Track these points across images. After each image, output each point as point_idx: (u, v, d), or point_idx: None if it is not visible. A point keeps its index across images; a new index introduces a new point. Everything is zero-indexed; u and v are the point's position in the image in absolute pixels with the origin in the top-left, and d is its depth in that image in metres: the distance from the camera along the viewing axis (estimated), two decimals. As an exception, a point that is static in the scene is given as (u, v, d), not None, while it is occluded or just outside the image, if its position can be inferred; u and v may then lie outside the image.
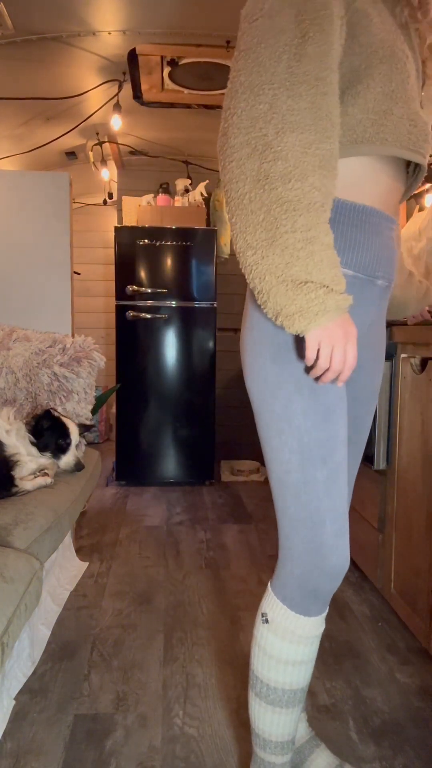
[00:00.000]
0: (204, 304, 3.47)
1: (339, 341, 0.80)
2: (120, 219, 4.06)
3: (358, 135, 0.89)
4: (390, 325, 1.77)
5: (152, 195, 3.78)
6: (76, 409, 2.11)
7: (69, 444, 1.78)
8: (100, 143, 3.69)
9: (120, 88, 2.93)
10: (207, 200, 3.85)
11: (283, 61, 0.79)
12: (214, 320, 3.49)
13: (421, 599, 1.62)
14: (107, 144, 3.69)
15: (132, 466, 3.53)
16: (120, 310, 3.43)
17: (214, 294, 3.48)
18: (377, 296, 1.00)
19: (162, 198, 3.75)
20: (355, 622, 1.87)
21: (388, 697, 1.49)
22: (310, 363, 0.83)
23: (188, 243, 3.42)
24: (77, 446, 1.83)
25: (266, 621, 0.99)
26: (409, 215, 2.80)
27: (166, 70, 2.73)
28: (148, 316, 3.43)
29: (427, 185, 2.64)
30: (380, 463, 1.85)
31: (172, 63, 2.66)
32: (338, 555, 0.92)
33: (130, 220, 3.86)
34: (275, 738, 1.03)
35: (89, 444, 3.43)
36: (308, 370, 0.88)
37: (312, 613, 0.97)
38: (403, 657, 1.67)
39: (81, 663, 1.62)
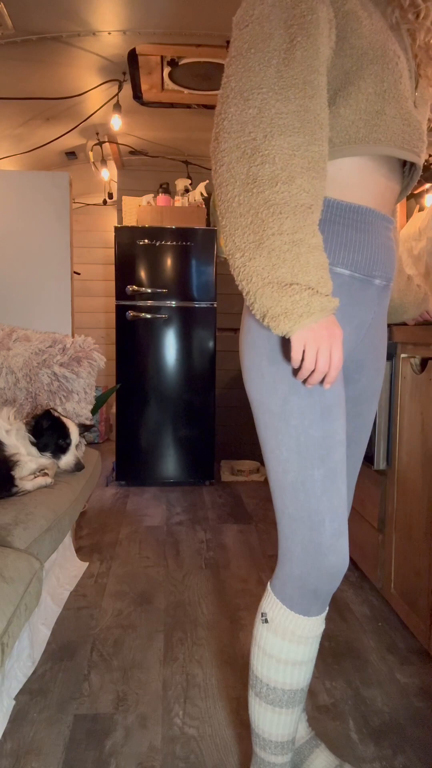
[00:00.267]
0: (204, 304, 3.47)
1: (324, 342, 0.81)
2: (120, 219, 4.06)
3: (351, 136, 0.90)
4: (390, 324, 1.77)
5: (152, 195, 3.79)
6: (76, 409, 2.11)
7: (69, 444, 1.78)
8: (100, 143, 3.69)
9: (120, 88, 2.93)
10: (207, 200, 3.85)
11: (272, 66, 0.81)
12: (214, 320, 3.49)
13: (421, 599, 1.62)
14: (107, 144, 3.69)
15: (132, 466, 3.53)
16: (120, 310, 3.43)
17: (214, 294, 3.48)
18: (375, 296, 1.01)
19: (162, 198, 3.75)
20: (355, 622, 1.87)
21: (388, 697, 1.49)
22: (296, 364, 0.83)
23: (188, 243, 3.42)
24: (77, 446, 1.83)
25: (266, 621, 1.00)
26: (409, 215, 2.80)
27: (166, 70, 2.73)
28: (148, 316, 3.43)
29: (427, 185, 2.64)
30: (380, 463, 1.85)
31: (172, 63, 2.66)
32: (337, 555, 0.92)
33: (130, 220, 3.86)
34: (275, 738, 1.03)
35: (89, 444, 3.43)
36: (296, 372, 0.89)
37: (312, 613, 0.97)
38: (403, 657, 1.67)
39: (81, 663, 1.62)
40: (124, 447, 3.52)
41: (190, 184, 3.90)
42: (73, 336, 2.42)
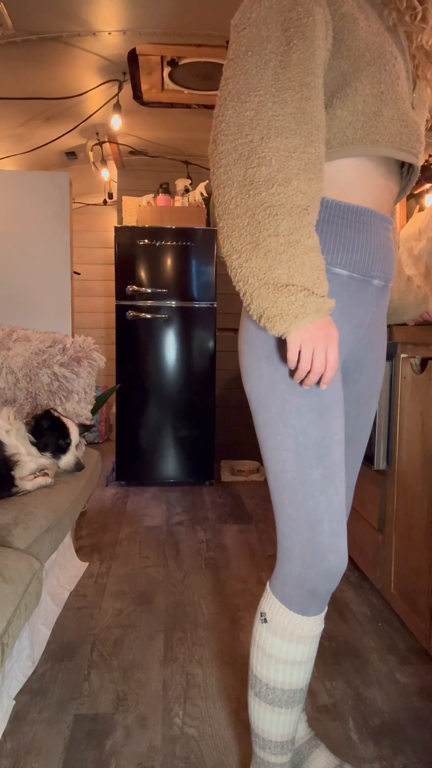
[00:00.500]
0: (204, 304, 3.47)
1: (320, 343, 0.81)
2: (120, 219, 4.06)
3: (349, 137, 0.90)
4: (390, 325, 1.78)
5: (152, 195, 3.79)
6: (76, 409, 2.11)
7: (69, 444, 1.78)
8: (100, 143, 3.69)
9: (120, 88, 2.93)
10: (207, 200, 3.85)
11: (269, 68, 0.81)
12: (214, 320, 3.49)
13: (421, 599, 1.62)
14: (107, 144, 3.69)
15: (132, 466, 3.53)
16: (120, 310, 3.43)
17: (214, 294, 3.48)
18: (374, 296, 1.01)
19: (162, 198, 3.75)
20: (355, 622, 1.87)
21: (388, 697, 1.49)
22: (291, 365, 0.84)
23: (188, 243, 3.42)
24: (77, 446, 1.83)
25: (265, 621, 1.00)
26: (409, 215, 2.80)
27: (166, 70, 2.73)
28: (148, 316, 3.43)
29: (427, 185, 2.64)
30: (380, 463, 1.85)
31: (172, 63, 2.66)
32: (336, 554, 0.92)
33: (130, 220, 3.86)
34: (275, 738, 1.04)
35: (89, 444, 3.43)
36: (292, 373, 0.89)
37: (311, 613, 0.97)
38: (403, 657, 1.67)
39: (81, 663, 1.62)
40: (124, 447, 3.52)
41: (190, 184, 3.90)
42: (73, 336, 2.42)
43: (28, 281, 2.74)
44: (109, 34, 2.47)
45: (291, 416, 0.91)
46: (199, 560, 2.37)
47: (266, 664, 1.00)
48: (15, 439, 1.67)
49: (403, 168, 1.03)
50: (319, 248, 0.83)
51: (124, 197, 3.97)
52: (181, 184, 3.90)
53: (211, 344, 3.50)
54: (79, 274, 4.81)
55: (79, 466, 1.80)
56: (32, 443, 1.71)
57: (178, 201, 3.78)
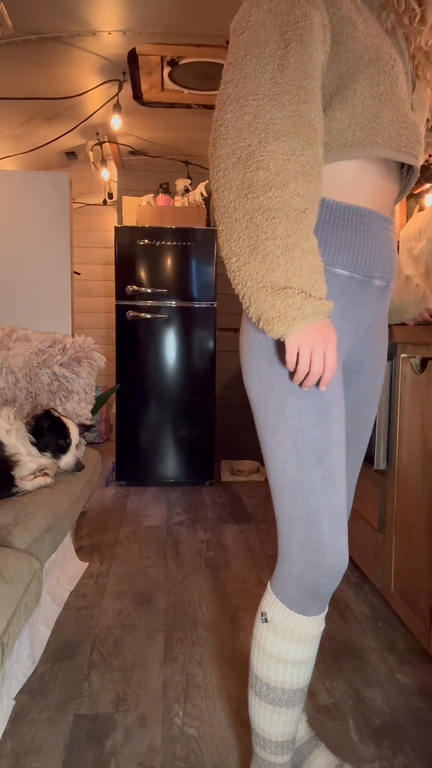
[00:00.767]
0: (204, 304, 3.47)
1: (318, 345, 0.82)
2: (120, 219, 4.06)
3: (348, 139, 0.91)
4: (390, 325, 1.77)
5: (152, 195, 3.79)
6: (76, 409, 2.11)
7: (69, 444, 1.78)
8: (100, 143, 3.69)
9: (120, 88, 2.93)
10: (207, 200, 3.85)
11: (267, 72, 0.82)
12: (214, 320, 3.49)
13: (421, 599, 1.62)
14: (107, 144, 3.69)
15: (132, 466, 3.53)
16: (120, 310, 3.43)
17: (214, 294, 3.48)
18: (375, 296, 1.01)
19: (162, 198, 3.75)
20: (355, 622, 1.87)
21: (388, 697, 1.49)
22: (290, 367, 0.84)
23: (188, 243, 3.42)
24: (77, 446, 1.83)
25: (266, 620, 1.00)
26: (409, 215, 2.80)
27: (166, 70, 2.73)
28: (148, 316, 3.43)
29: (427, 185, 2.64)
30: (380, 463, 1.85)
31: (172, 63, 2.66)
32: (336, 554, 0.92)
33: (130, 220, 3.86)
34: (275, 738, 1.04)
35: (89, 444, 3.43)
36: (291, 375, 0.89)
37: (311, 613, 0.97)
38: (403, 657, 1.67)
39: (81, 663, 1.62)
40: (124, 447, 3.52)
41: (190, 184, 3.90)
42: (73, 336, 2.42)
43: (28, 281, 2.74)
44: (109, 34, 2.47)
45: (290, 417, 0.91)
46: (199, 560, 2.37)
47: (267, 663, 1.00)
48: (15, 439, 1.67)
49: (403, 169, 1.03)
50: (317, 251, 0.83)
51: (124, 197, 3.97)
52: (181, 184, 3.90)
53: (211, 344, 3.50)
54: (79, 274, 4.81)
55: (79, 466, 1.80)
56: (32, 443, 1.71)
57: (178, 201, 3.78)
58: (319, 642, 1.01)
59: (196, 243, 3.43)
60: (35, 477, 1.64)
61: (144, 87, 2.89)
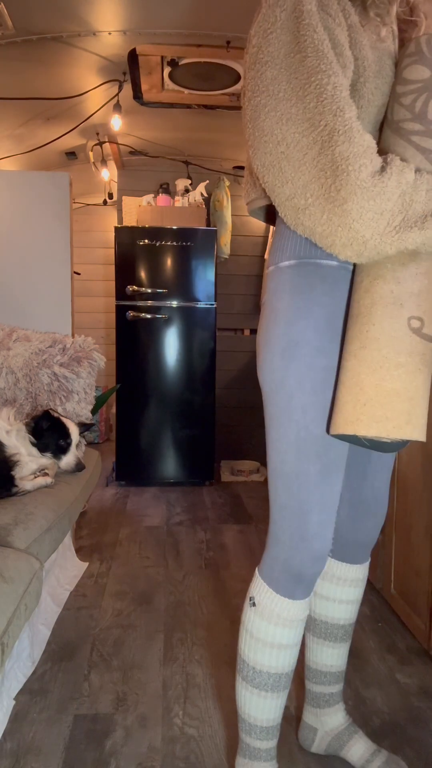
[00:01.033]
0: (204, 304, 3.47)
1: None
2: (120, 219, 4.06)
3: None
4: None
5: (152, 195, 3.79)
6: (76, 409, 2.11)
7: (69, 444, 1.78)
8: (100, 143, 3.69)
9: (120, 88, 2.93)
10: (207, 200, 3.85)
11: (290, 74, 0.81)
12: (214, 320, 3.49)
13: (421, 600, 1.62)
14: (107, 144, 3.69)
15: (132, 466, 3.53)
16: (120, 310, 3.43)
17: (214, 294, 3.48)
18: None
19: (162, 198, 3.75)
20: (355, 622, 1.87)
21: (387, 698, 1.49)
22: None
23: (188, 243, 3.42)
24: (77, 446, 1.83)
25: (253, 604, 1.04)
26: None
27: (166, 70, 2.73)
28: (148, 316, 3.43)
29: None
30: (380, 463, 1.85)
31: (172, 63, 2.66)
32: (321, 541, 0.98)
33: (130, 220, 3.86)
34: (260, 723, 1.07)
35: (89, 444, 3.43)
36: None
37: (297, 596, 1.01)
38: (403, 657, 1.67)
39: (81, 663, 1.62)
40: (124, 447, 3.52)
41: (190, 184, 3.90)
42: (73, 336, 2.42)
43: (28, 281, 2.74)
44: (109, 34, 2.47)
45: (296, 412, 0.94)
46: (199, 560, 2.37)
47: (253, 647, 1.03)
48: (15, 439, 1.67)
49: None
50: None
51: (124, 197, 3.97)
52: (181, 184, 3.90)
53: (211, 344, 3.50)
54: (79, 274, 4.81)
55: (79, 467, 1.80)
56: (32, 444, 1.70)
57: (178, 201, 3.78)
58: (303, 627, 1.05)
59: (196, 243, 3.43)
60: (35, 477, 1.64)
61: (144, 87, 2.89)
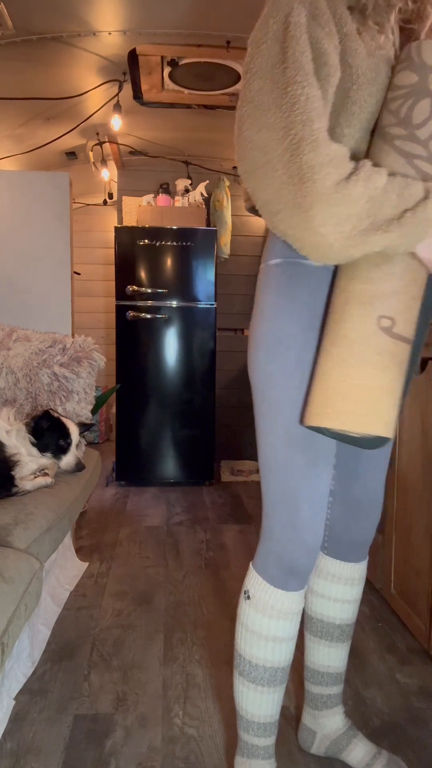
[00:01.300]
0: (204, 304, 3.47)
1: None
2: (120, 219, 4.06)
3: (362, 151, 0.91)
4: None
5: (152, 195, 3.79)
6: (76, 409, 2.11)
7: (69, 444, 1.78)
8: (100, 143, 3.69)
9: (120, 88, 2.93)
10: (207, 200, 3.85)
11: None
12: (214, 320, 3.49)
13: (421, 600, 1.62)
14: (107, 144, 3.69)
15: (132, 466, 3.53)
16: (120, 311, 3.43)
17: (214, 294, 3.48)
18: None
19: (162, 198, 3.75)
20: (355, 622, 1.86)
21: (387, 698, 1.49)
22: None
23: (188, 243, 3.42)
24: (77, 446, 1.83)
25: (248, 597, 1.06)
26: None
27: (166, 70, 2.73)
28: (148, 316, 3.43)
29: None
30: (380, 463, 1.85)
31: (172, 63, 2.66)
32: (312, 533, 1.00)
33: (130, 220, 3.86)
34: (257, 719, 1.08)
35: (89, 444, 3.43)
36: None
37: (291, 588, 1.02)
38: (403, 657, 1.67)
39: (81, 663, 1.62)
40: (124, 447, 3.52)
41: (190, 184, 3.90)
42: (73, 336, 2.41)
43: (28, 281, 2.74)
44: (109, 34, 2.47)
45: (283, 406, 0.97)
46: (199, 560, 2.37)
47: (249, 640, 1.05)
48: (15, 439, 1.67)
49: None
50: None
51: (124, 197, 3.97)
52: (181, 184, 3.90)
53: (211, 344, 3.50)
54: (79, 274, 4.81)
55: (79, 467, 1.80)
56: (32, 444, 1.70)
57: (178, 201, 3.78)
58: (299, 621, 1.06)
59: (196, 243, 3.43)
60: (35, 477, 1.64)
61: (144, 87, 2.89)
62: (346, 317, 0.87)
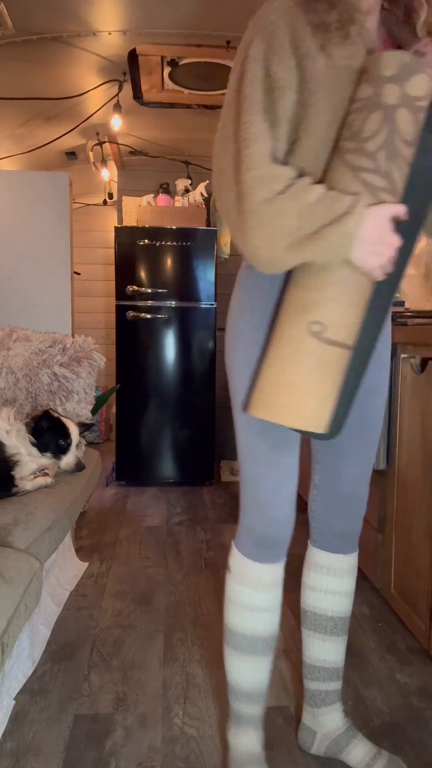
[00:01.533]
0: (204, 305, 3.47)
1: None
2: (120, 219, 4.06)
3: (323, 160, 0.95)
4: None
5: (152, 195, 3.78)
6: (76, 409, 2.11)
7: (69, 444, 1.78)
8: (100, 143, 3.69)
9: (120, 88, 2.93)
10: (207, 200, 3.85)
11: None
12: (214, 320, 3.49)
13: (421, 599, 1.62)
14: (107, 144, 3.69)
15: (132, 466, 3.53)
16: (120, 310, 3.43)
17: (214, 294, 3.48)
18: None
19: (162, 198, 3.75)
20: (355, 622, 1.87)
21: (387, 698, 1.49)
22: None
23: (188, 243, 3.42)
24: (77, 446, 1.83)
25: (229, 571, 1.16)
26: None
27: (166, 70, 2.73)
28: (148, 316, 3.43)
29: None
30: (380, 463, 1.85)
31: (172, 63, 2.66)
32: (275, 508, 1.09)
33: (130, 220, 3.86)
34: (243, 686, 1.15)
35: (89, 444, 3.43)
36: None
37: (263, 560, 1.12)
38: (403, 657, 1.67)
39: (81, 663, 1.62)
40: (124, 447, 3.52)
41: (190, 184, 3.90)
42: (73, 336, 2.41)
43: (28, 281, 2.74)
44: (109, 34, 2.47)
45: (242, 397, 1.07)
46: (199, 560, 2.37)
47: (231, 610, 1.15)
48: (15, 439, 1.67)
49: None
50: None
51: (124, 197, 3.97)
52: (181, 184, 3.90)
53: (210, 344, 3.50)
54: (79, 274, 4.80)
55: (79, 467, 1.80)
56: (32, 444, 1.71)
57: (178, 201, 3.78)
58: (278, 594, 1.14)
59: (196, 243, 3.43)
60: (35, 477, 1.64)
61: (144, 87, 2.89)
62: (282, 320, 0.95)
